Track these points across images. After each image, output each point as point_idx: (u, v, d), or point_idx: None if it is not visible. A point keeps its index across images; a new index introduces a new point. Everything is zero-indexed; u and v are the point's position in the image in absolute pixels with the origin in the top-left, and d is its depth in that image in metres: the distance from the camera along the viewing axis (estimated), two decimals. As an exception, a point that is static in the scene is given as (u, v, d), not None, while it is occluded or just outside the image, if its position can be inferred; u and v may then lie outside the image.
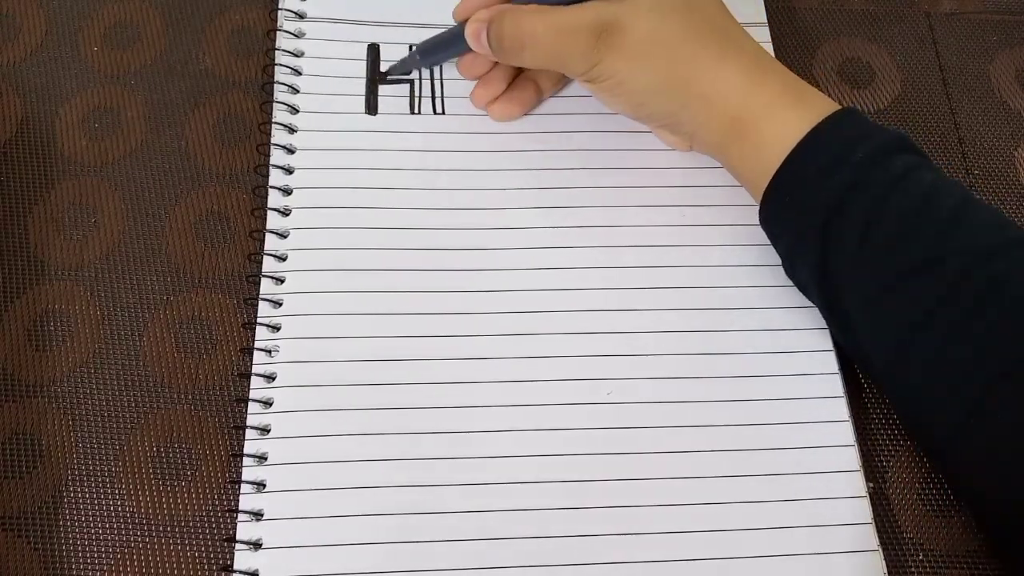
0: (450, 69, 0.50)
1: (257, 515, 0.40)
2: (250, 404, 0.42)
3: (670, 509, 0.40)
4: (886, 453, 0.43)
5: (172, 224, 0.46)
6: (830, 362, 0.44)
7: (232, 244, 0.46)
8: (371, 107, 0.49)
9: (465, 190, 0.47)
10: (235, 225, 0.46)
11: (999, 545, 0.41)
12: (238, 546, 0.39)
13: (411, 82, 0.49)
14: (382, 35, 0.50)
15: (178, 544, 0.40)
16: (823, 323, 0.44)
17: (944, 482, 0.42)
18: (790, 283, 0.44)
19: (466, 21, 0.45)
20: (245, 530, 0.39)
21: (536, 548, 0.40)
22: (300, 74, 0.49)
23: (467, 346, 0.43)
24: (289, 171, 0.47)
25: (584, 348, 0.43)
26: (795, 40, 0.53)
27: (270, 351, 0.43)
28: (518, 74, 0.48)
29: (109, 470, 0.41)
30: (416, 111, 0.49)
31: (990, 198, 0.49)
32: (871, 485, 0.42)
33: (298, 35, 0.50)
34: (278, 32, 0.50)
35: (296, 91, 0.49)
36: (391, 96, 0.49)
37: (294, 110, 0.48)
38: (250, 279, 0.45)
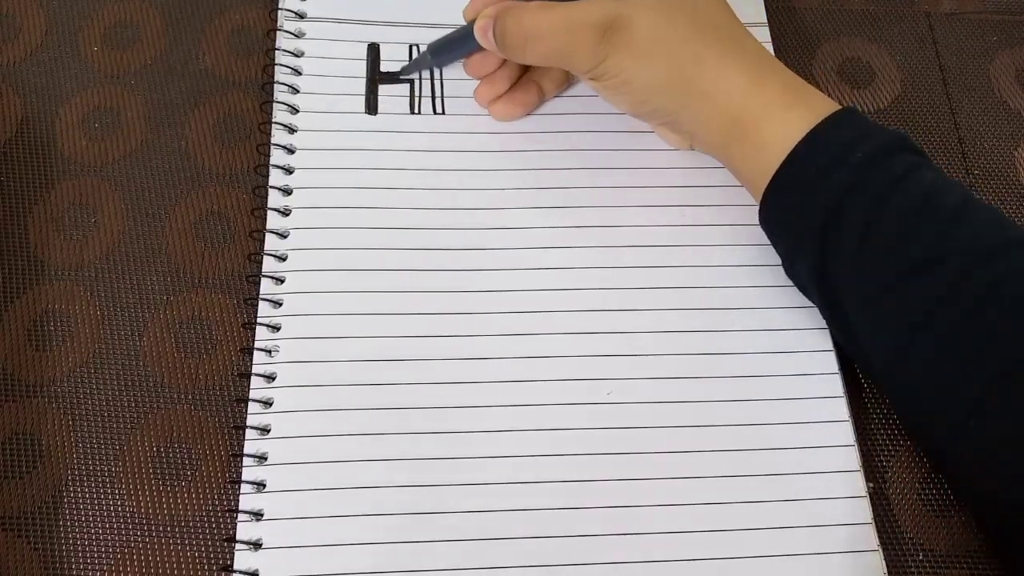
0: (450, 69, 0.50)
1: (257, 515, 0.40)
2: (250, 404, 0.42)
3: (670, 509, 0.40)
4: (886, 453, 0.43)
5: (172, 224, 0.46)
6: (830, 362, 0.44)
7: (232, 244, 0.46)
8: (371, 107, 0.49)
9: (465, 190, 0.47)
10: (235, 225, 0.46)
11: (999, 545, 0.41)
12: (238, 546, 0.39)
13: (411, 82, 0.49)
14: (382, 35, 0.50)
15: (178, 544, 0.40)
16: (823, 323, 0.44)
17: (944, 482, 0.42)
18: (790, 283, 0.44)
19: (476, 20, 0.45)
20: (245, 530, 0.39)
21: (536, 548, 0.40)
22: (300, 74, 0.49)
23: (467, 346, 0.43)
24: (289, 171, 0.47)
25: (584, 348, 0.43)
26: (795, 40, 0.53)
27: (270, 351, 0.43)
28: (522, 75, 0.48)
29: (109, 470, 0.41)
30: (416, 111, 0.49)
31: (990, 198, 0.49)
32: (871, 485, 0.42)
33: (298, 35, 0.50)
34: (278, 32, 0.50)
35: (296, 91, 0.49)
36: (391, 96, 0.49)
37: (294, 110, 0.48)
38: (250, 279, 0.45)
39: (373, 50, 0.50)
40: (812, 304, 0.44)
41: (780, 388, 0.43)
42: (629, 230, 0.46)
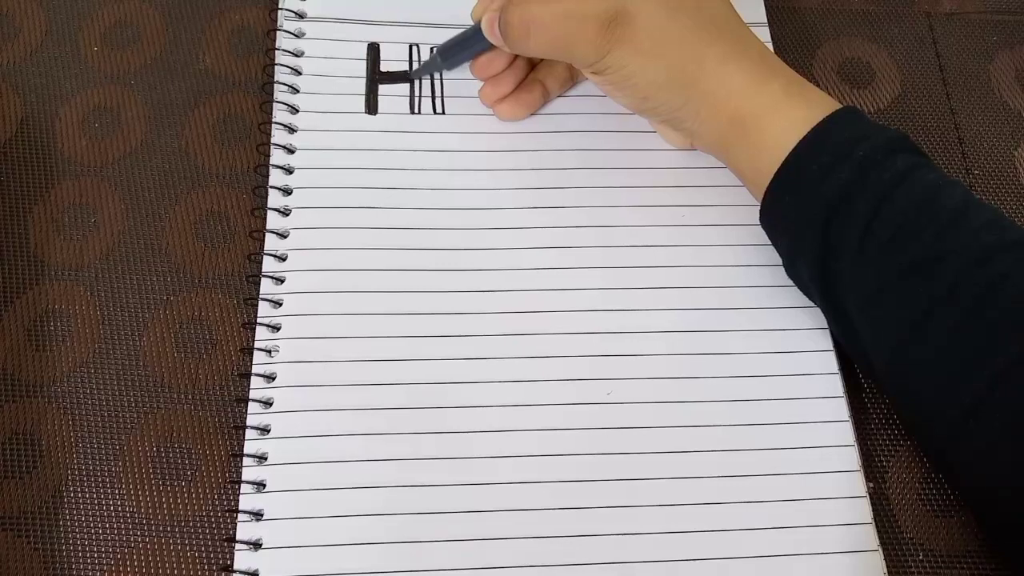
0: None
1: (257, 515, 0.40)
2: (250, 404, 0.42)
3: (670, 509, 0.40)
4: (886, 453, 0.43)
5: (172, 224, 0.46)
6: (830, 362, 0.44)
7: (232, 244, 0.46)
8: (371, 107, 0.49)
9: (465, 190, 0.47)
10: (235, 225, 0.46)
11: (999, 545, 0.41)
12: (238, 546, 0.39)
13: (411, 82, 0.49)
14: (382, 35, 0.50)
15: (178, 544, 0.40)
16: (823, 323, 0.44)
17: (944, 482, 0.42)
18: (790, 283, 0.44)
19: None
20: (245, 530, 0.39)
21: (536, 548, 0.40)
22: (300, 74, 0.49)
23: (467, 346, 0.43)
24: (289, 171, 0.47)
25: (585, 348, 0.43)
26: (795, 40, 0.53)
27: (270, 351, 0.43)
28: (527, 75, 0.48)
29: (109, 470, 0.41)
30: (416, 111, 0.49)
31: (990, 198, 0.49)
32: (871, 485, 0.42)
33: (298, 35, 0.50)
34: (278, 32, 0.50)
35: (296, 91, 0.49)
36: (391, 96, 0.49)
37: (294, 110, 0.48)
38: (250, 279, 0.45)
39: (373, 50, 0.50)
40: (812, 304, 0.44)
41: (780, 388, 0.43)
42: (629, 230, 0.46)
